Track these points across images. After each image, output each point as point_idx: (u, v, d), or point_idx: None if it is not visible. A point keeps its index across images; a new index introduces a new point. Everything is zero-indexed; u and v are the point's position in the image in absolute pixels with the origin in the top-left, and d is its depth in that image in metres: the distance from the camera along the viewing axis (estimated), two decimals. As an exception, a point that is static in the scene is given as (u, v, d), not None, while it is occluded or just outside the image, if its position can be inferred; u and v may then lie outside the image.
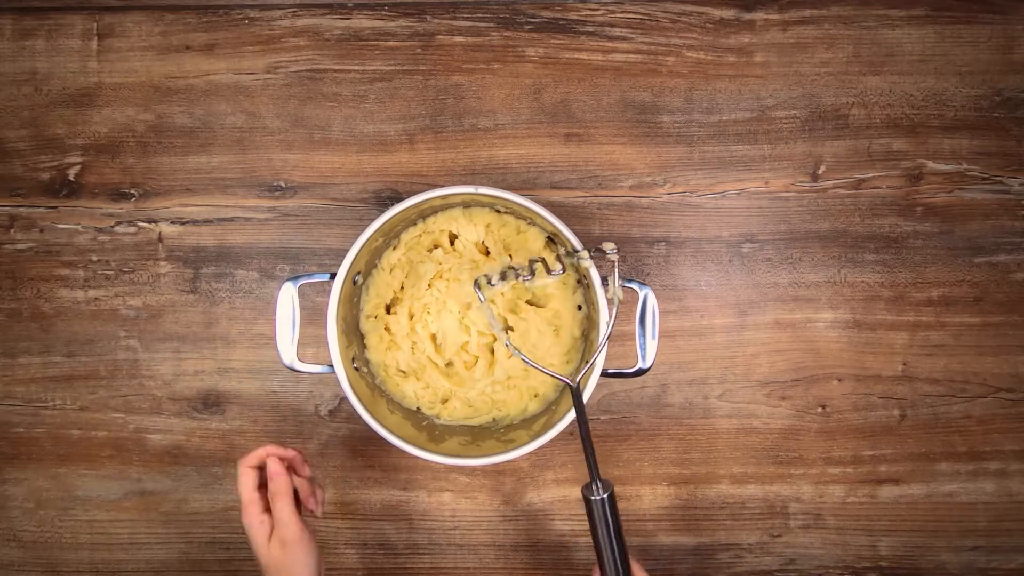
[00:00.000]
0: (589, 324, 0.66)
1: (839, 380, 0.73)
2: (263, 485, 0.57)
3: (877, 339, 0.73)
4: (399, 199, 0.67)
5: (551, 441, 0.60)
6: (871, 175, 0.74)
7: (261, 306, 0.73)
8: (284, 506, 0.56)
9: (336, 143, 0.73)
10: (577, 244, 0.59)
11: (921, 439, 0.73)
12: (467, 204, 0.66)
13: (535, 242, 0.66)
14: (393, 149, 0.73)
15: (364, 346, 0.67)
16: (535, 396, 0.67)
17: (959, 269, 0.73)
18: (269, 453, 0.57)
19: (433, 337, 0.67)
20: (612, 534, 0.56)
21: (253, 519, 0.56)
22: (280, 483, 0.56)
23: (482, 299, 0.60)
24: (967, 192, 0.74)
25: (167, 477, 0.73)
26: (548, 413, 0.65)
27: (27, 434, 0.73)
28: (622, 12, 0.74)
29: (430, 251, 0.67)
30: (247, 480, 0.57)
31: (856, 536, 0.73)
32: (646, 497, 0.73)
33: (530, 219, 0.65)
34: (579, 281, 0.67)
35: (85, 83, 0.74)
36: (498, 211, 0.67)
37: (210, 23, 0.74)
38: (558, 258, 0.62)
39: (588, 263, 0.60)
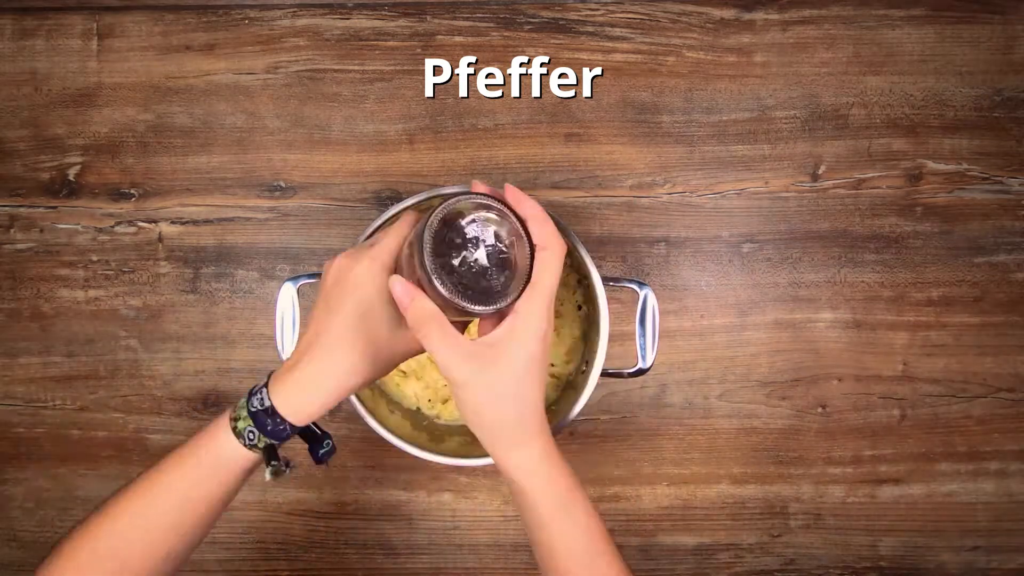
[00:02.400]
0: (589, 324, 0.66)
1: (839, 380, 0.73)
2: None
3: (877, 339, 0.73)
4: (399, 199, 0.67)
5: (551, 441, 0.60)
6: (871, 175, 0.74)
7: (261, 306, 0.73)
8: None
9: (336, 143, 0.73)
10: (577, 245, 0.59)
11: (921, 439, 0.73)
12: (467, 204, 0.66)
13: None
14: (393, 149, 0.73)
15: (364, 346, 0.67)
16: (535, 396, 0.67)
17: (959, 269, 0.73)
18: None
19: (433, 337, 0.67)
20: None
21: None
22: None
23: None
24: (967, 192, 0.74)
25: (167, 477, 0.73)
26: (548, 413, 0.65)
27: (27, 434, 0.73)
28: (622, 12, 0.74)
29: (430, 251, 0.67)
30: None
31: (856, 536, 0.73)
32: (646, 497, 0.73)
33: (530, 219, 0.65)
34: (579, 281, 0.67)
35: (85, 83, 0.74)
36: (498, 211, 0.66)
37: (210, 23, 0.74)
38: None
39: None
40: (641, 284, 0.62)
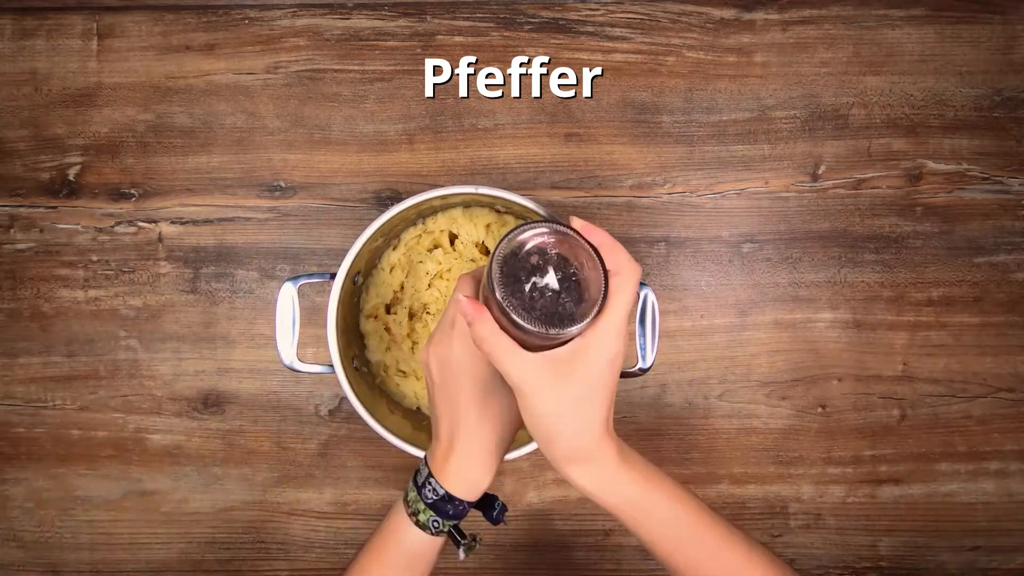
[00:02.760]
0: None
1: (839, 380, 0.73)
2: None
3: (877, 339, 0.73)
4: (399, 199, 0.67)
5: (551, 441, 0.60)
6: (871, 175, 0.74)
7: (261, 306, 0.73)
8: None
9: (336, 143, 0.73)
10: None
11: (921, 439, 0.73)
12: (467, 204, 0.66)
13: (535, 242, 0.66)
14: (393, 149, 0.73)
15: (364, 346, 0.67)
16: (535, 396, 0.67)
17: (959, 269, 0.73)
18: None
19: (433, 337, 0.67)
20: None
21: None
22: None
23: None
24: (967, 192, 0.74)
25: (167, 477, 0.73)
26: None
27: (27, 434, 0.73)
28: (622, 12, 0.74)
29: (430, 251, 0.67)
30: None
31: (856, 536, 0.73)
32: (646, 497, 0.73)
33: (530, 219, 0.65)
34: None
35: (85, 83, 0.74)
36: (498, 211, 0.67)
37: (210, 23, 0.74)
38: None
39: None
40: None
